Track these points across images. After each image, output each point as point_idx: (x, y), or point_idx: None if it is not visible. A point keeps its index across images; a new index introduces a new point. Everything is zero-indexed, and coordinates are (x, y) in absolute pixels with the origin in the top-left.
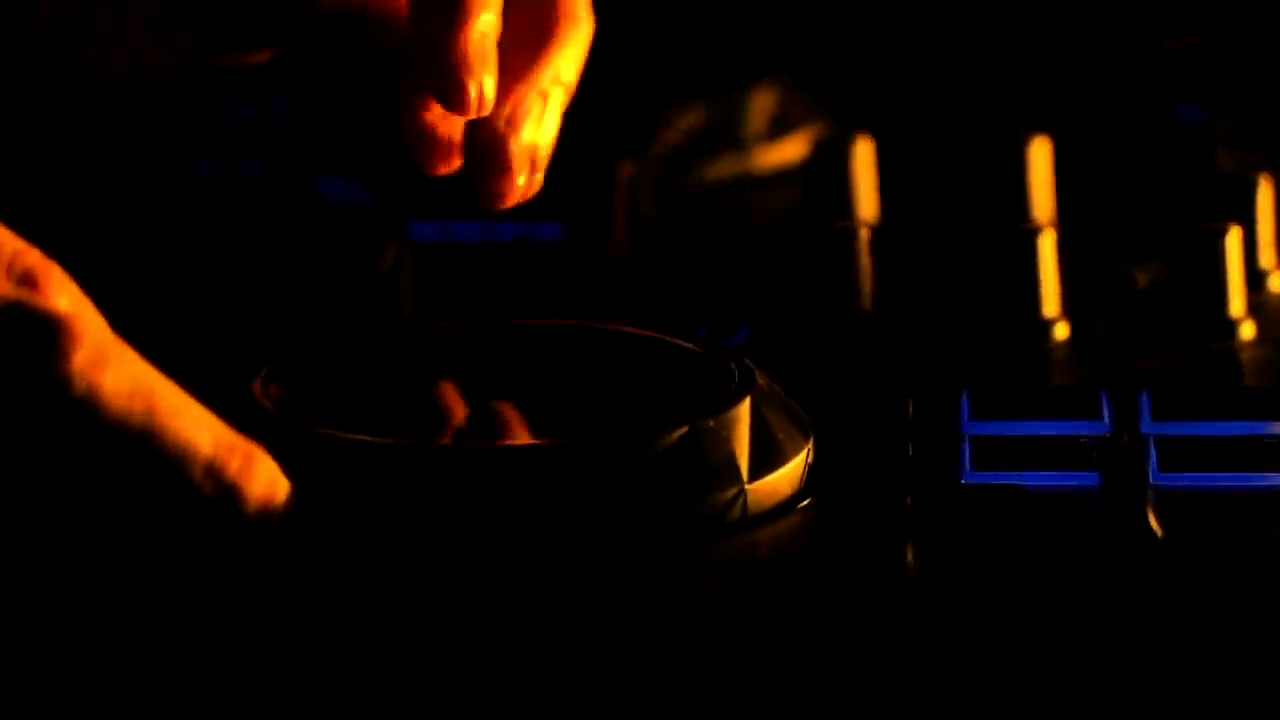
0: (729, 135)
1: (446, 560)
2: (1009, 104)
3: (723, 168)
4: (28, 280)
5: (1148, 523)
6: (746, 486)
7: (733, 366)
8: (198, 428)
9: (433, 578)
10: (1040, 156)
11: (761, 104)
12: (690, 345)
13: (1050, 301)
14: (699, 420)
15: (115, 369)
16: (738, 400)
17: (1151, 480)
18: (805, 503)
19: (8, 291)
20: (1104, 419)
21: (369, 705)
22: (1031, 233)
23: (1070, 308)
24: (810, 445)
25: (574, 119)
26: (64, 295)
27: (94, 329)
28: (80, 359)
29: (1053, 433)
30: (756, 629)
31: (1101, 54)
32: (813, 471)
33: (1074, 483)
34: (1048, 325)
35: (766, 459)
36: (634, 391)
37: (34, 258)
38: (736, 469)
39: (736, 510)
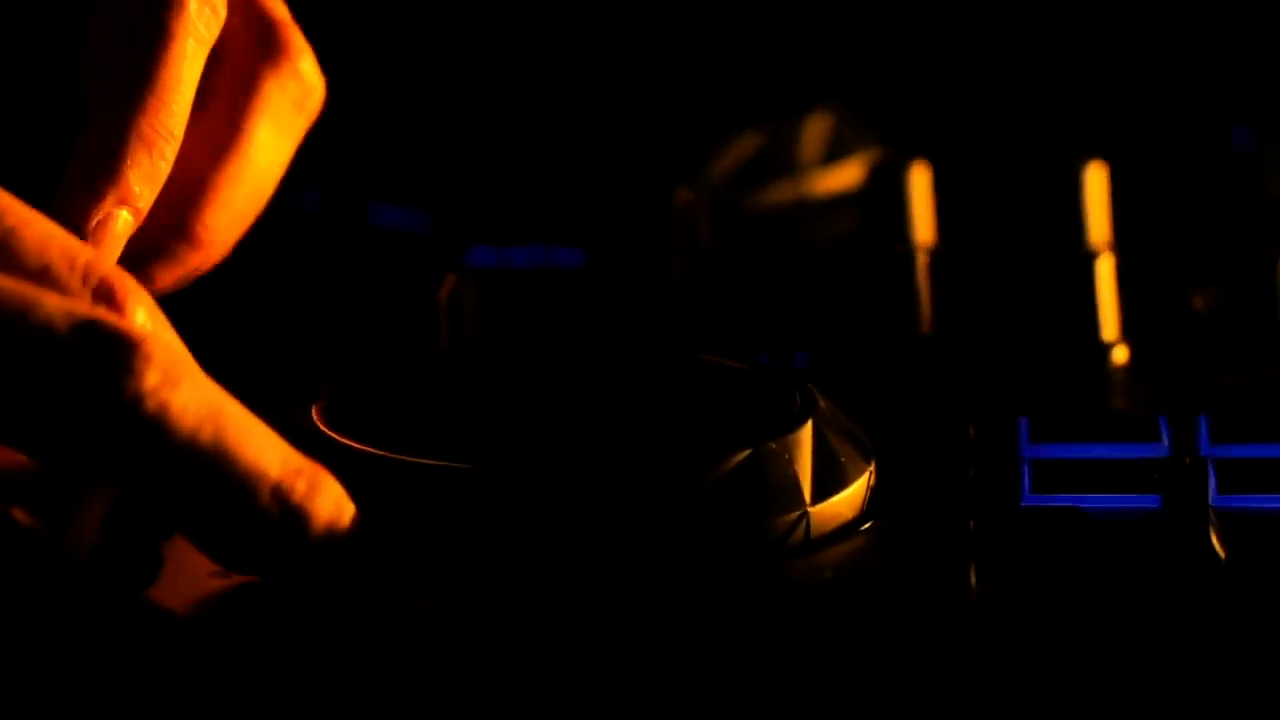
0: (785, 162)
1: (509, 582)
2: (1065, 130)
3: (779, 194)
4: (103, 292)
5: (1210, 544)
6: (809, 509)
7: (794, 390)
8: (266, 450)
9: (496, 599)
10: (1096, 182)
11: (816, 131)
12: (751, 369)
13: (1108, 325)
14: (762, 444)
15: (186, 389)
16: (800, 423)
17: (1212, 502)
18: (867, 525)
19: (83, 304)
20: (1163, 442)
21: None
22: (1089, 257)
23: (1128, 332)
24: (872, 468)
25: (633, 147)
26: (140, 308)
27: (166, 348)
28: (151, 378)
29: (1112, 456)
30: (820, 650)
31: (1155, 81)
32: (875, 494)
33: (1134, 505)
34: (1106, 349)
35: (829, 482)
36: (696, 415)
37: (109, 268)
38: (799, 492)
39: (799, 533)
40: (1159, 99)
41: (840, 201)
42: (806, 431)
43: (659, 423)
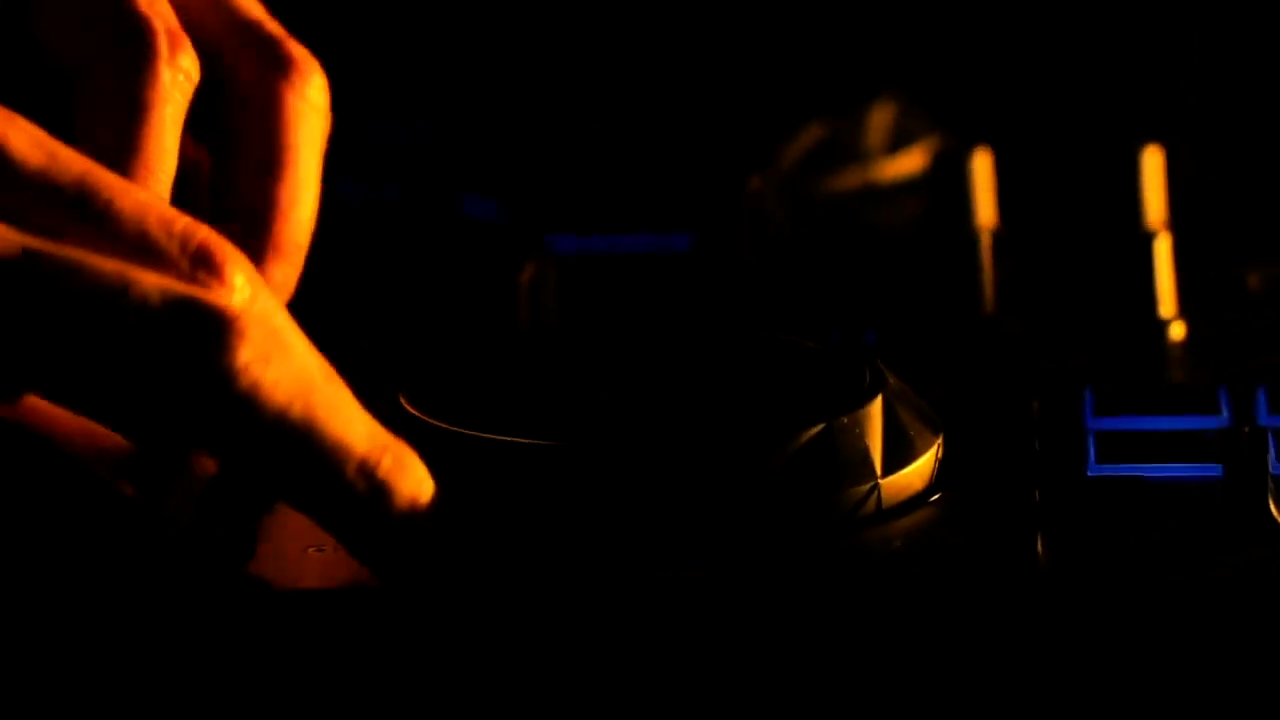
0: (852, 149)
1: (591, 554)
2: (1122, 115)
3: (846, 180)
4: (201, 257)
5: (1270, 512)
6: (880, 481)
7: (864, 367)
8: (353, 426)
9: (574, 572)
10: (1153, 165)
11: (882, 119)
12: (823, 348)
13: (1166, 303)
14: (834, 418)
15: (278, 365)
16: (871, 398)
17: (1272, 471)
18: (936, 496)
19: (180, 282)
20: (1222, 413)
21: (518, 700)
22: (1147, 237)
23: (1185, 309)
24: (940, 441)
25: (705, 135)
26: (239, 273)
27: (260, 322)
28: (244, 354)
29: (1173, 427)
30: (892, 618)
31: (1210, 69)
32: (943, 466)
33: (1196, 474)
34: (1163, 325)
35: (899, 454)
36: (770, 392)
37: (206, 233)
38: (870, 464)
39: (871, 504)
40: (1214, 87)
41: (906, 187)
42: (877, 406)
43: (735, 399)
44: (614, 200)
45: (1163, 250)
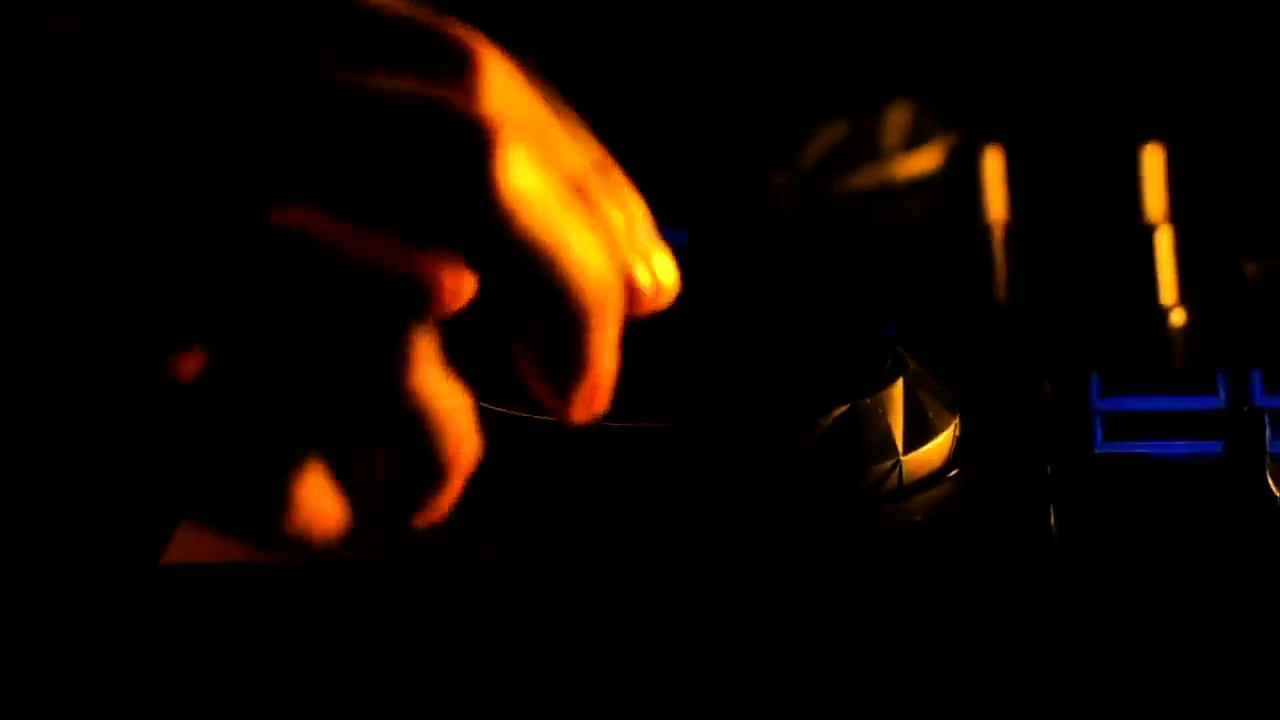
0: (869, 147)
1: (627, 533)
2: (1125, 115)
3: (863, 177)
4: (456, 45)
5: (1269, 488)
6: (902, 458)
7: (886, 352)
8: (592, 253)
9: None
10: (1154, 161)
11: (897, 119)
12: (847, 335)
13: (1167, 291)
14: (859, 400)
15: (536, 175)
16: (892, 381)
17: (1270, 449)
18: (954, 473)
19: (437, 68)
20: (1219, 394)
21: (563, 678)
22: (1149, 229)
23: (1185, 297)
24: (958, 420)
25: (728, 135)
26: (488, 53)
27: (521, 128)
28: (507, 169)
29: (1174, 407)
30: (914, 587)
31: (1207, 71)
32: (960, 445)
33: (1197, 450)
34: (1165, 312)
35: (919, 433)
36: (799, 376)
37: (459, 25)
38: (893, 443)
39: (893, 480)
40: (1209, 88)
41: (920, 183)
42: (898, 388)
43: (764, 384)
44: (645, 198)
45: (1164, 242)
